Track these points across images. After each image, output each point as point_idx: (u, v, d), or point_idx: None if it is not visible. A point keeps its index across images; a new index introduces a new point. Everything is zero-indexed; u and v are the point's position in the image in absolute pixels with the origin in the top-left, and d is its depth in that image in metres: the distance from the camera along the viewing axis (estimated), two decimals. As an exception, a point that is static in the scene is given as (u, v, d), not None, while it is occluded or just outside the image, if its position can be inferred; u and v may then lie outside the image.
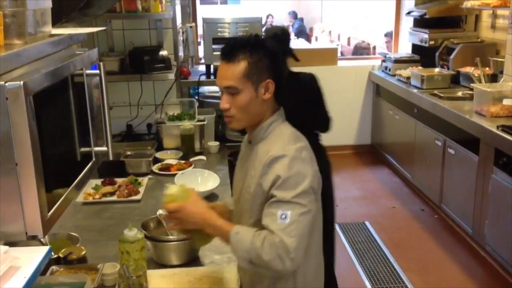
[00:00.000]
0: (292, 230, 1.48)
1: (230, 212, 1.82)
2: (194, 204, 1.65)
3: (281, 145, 1.58)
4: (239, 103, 1.59)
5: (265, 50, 1.61)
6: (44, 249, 1.11)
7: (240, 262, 1.58)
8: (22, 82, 1.01)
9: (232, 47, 1.59)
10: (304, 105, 2.71)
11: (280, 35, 2.71)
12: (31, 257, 1.09)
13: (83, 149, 1.42)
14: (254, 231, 1.54)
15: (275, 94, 1.65)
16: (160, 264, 1.97)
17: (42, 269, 1.15)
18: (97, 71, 1.44)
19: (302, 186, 1.52)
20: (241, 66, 1.57)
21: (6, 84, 1.00)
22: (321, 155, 2.58)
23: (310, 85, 2.95)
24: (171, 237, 1.98)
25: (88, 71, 1.43)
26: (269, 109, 1.66)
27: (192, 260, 1.99)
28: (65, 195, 1.24)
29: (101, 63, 1.43)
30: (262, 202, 1.57)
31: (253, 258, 1.50)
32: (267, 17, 10.19)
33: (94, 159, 1.47)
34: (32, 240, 1.08)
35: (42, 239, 1.82)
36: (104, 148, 1.50)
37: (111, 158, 1.54)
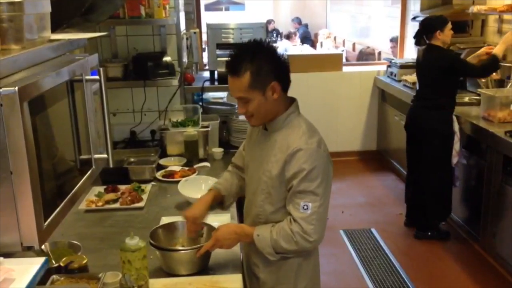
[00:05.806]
0: (312, 219, 1.74)
1: (223, 196, 2.11)
2: (222, 229, 1.89)
3: (303, 138, 1.76)
4: (251, 108, 1.77)
5: (264, 55, 1.75)
6: (40, 261, 1.08)
7: (268, 256, 1.82)
8: (17, 88, 0.98)
9: (234, 61, 1.75)
10: None
11: None
12: (26, 268, 1.05)
13: (82, 157, 1.38)
14: (271, 227, 1.80)
15: (283, 90, 1.80)
16: (170, 274, 1.92)
17: (39, 280, 1.12)
18: (97, 77, 1.41)
19: (321, 177, 1.75)
20: (245, 78, 1.72)
21: (1, 90, 0.97)
22: None
23: None
24: (180, 247, 1.95)
25: (88, 77, 1.40)
26: (282, 103, 1.82)
27: (202, 270, 1.94)
28: (63, 204, 1.20)
29: (101, 69, 1.40)
30: (280, 185, 1.79)
31: (276, 248, 1.79)
32: (269, 22, 10.19)
33: (94, 166, 1.44)
34: (28, 251, 1.04)
35: (42, 247, 1.79)
36: (104, 155, 1.47)
37: (111, 165, 1.50)
